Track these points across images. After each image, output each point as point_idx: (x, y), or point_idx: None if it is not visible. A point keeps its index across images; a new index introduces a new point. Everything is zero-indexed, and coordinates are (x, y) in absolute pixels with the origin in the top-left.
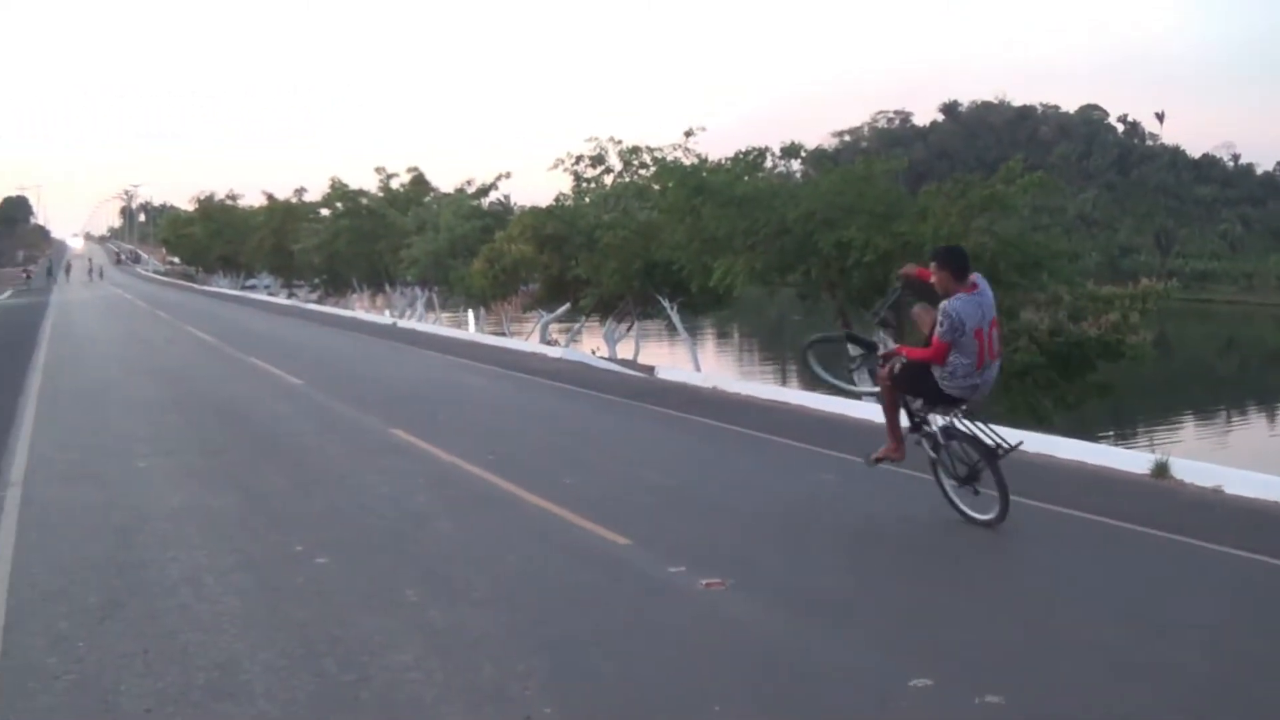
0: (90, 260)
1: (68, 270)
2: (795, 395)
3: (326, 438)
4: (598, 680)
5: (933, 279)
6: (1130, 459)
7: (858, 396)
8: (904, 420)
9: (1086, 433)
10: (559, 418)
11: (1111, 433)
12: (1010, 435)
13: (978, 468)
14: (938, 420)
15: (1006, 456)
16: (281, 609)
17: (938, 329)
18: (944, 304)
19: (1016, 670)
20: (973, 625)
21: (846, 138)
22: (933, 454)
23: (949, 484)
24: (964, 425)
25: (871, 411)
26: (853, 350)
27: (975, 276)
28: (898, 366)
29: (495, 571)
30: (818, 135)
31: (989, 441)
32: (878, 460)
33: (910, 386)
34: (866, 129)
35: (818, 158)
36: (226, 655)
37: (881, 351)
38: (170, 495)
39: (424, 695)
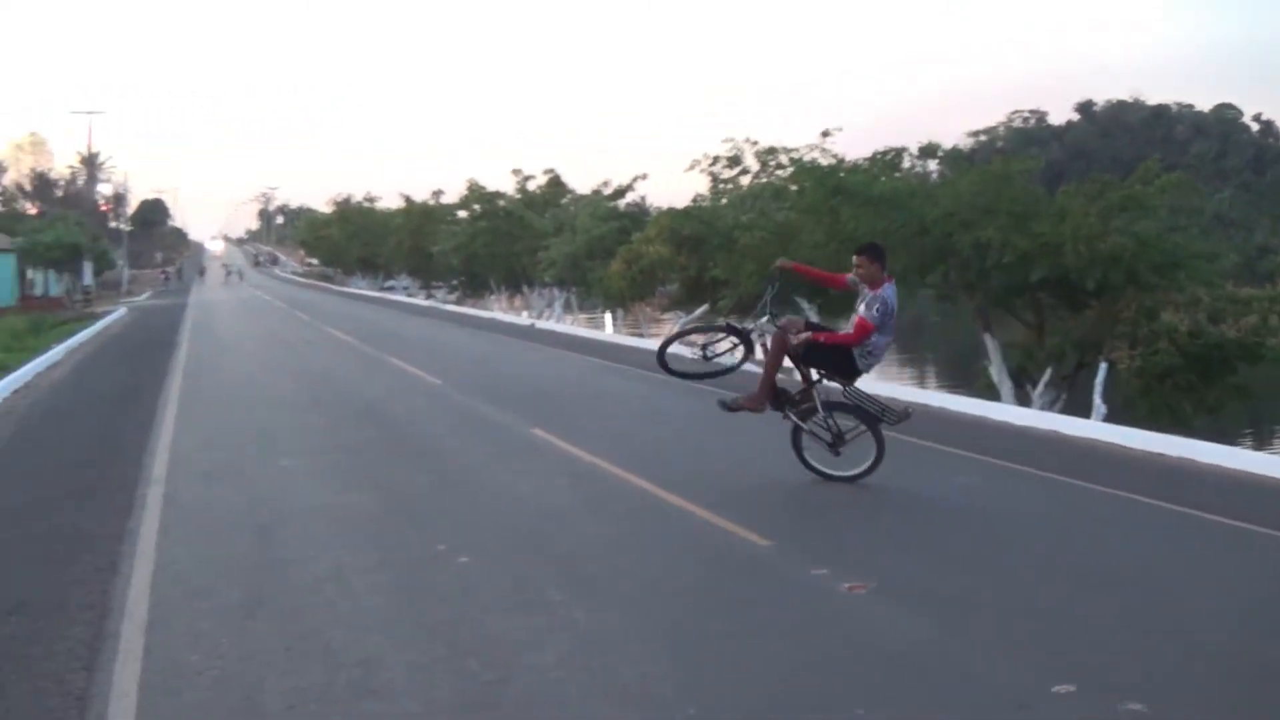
0: (227, 264)
1: (202, 273)
2: (934, 397)
3: (466, 437)
4: (741, 682)
5: (860, 271)
6: (1273, 463)
7: (726, 371)
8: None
9: (1227, 437)
10: (699, 419)
11: (1250, 434)
12: (905, 402)
13: (845, 435)
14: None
15: (900, 423)
16: (424, 607)
17: (867, 312)
18: (880, 292)
19: (1159, 678)
20: (1116, 631)
21: (982, 137)
22: (800, 423)
23: (814, 448)
24: (849, 397)
25: (1015, 414)
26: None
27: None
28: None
29: (638, 572)
30: (953, 135)
31: (873, 409)
32: (736, 408)
33: (824, 363)
34: (1002, 128)
35: (954, 158)
36: (369, 653)
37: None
38: (312, 494)
39: (567, 695)
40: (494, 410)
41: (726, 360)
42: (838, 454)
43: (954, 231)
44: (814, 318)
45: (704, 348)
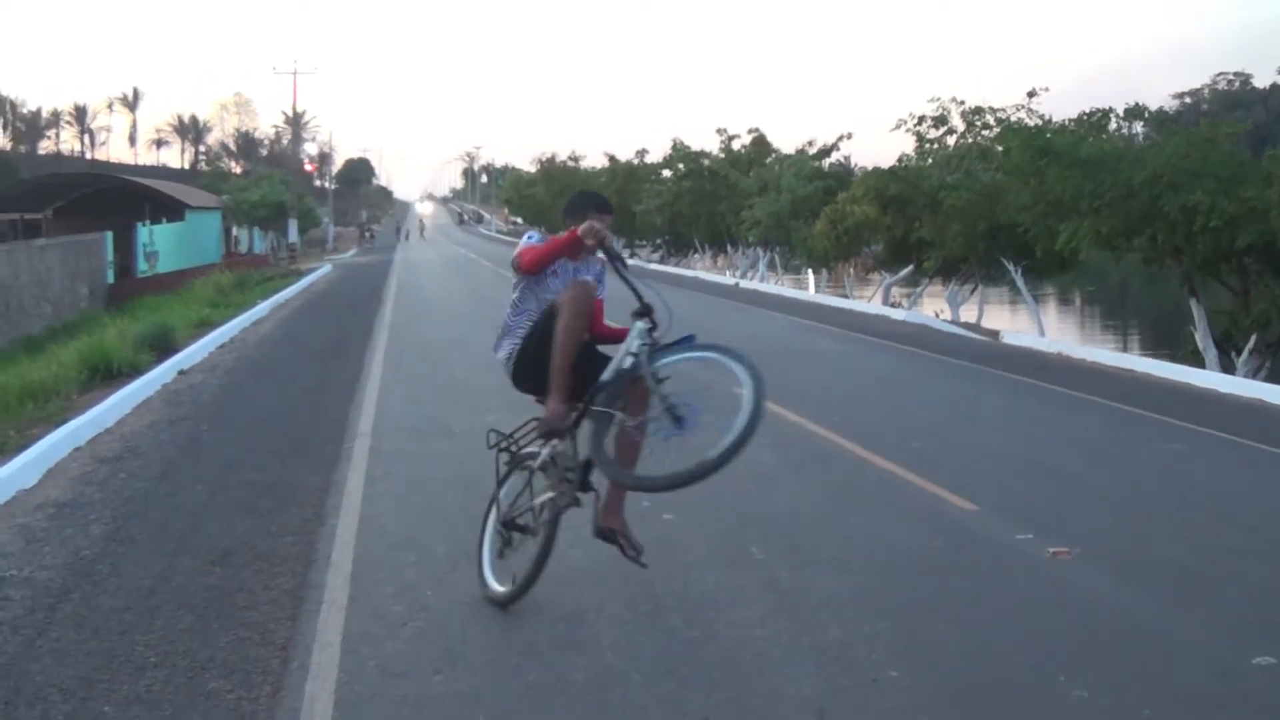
0: (408, 224)
1: (400, 233)
2: (1142, 363)
3: None
4: (944, 646)
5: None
6: None
7: None
8: None
9: None
10: (903, 381)
11: None
12: None
13: None
14: None
15: None
16: (627, 564)
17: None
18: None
19: None
20: None
21: (1187, 99)
22: None
23: None
24: None
25: (1220, 381)
26: None
27: None
28: None
29: (842, 533)
30: (1157, 97)
31: None
32: None
33: None
34: (1207, 91)
35: (1160, 120)
36: (573, 608)
37: None
38: None
39: (769, 653)
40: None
41: None
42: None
43: (1161, 195)
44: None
45: None
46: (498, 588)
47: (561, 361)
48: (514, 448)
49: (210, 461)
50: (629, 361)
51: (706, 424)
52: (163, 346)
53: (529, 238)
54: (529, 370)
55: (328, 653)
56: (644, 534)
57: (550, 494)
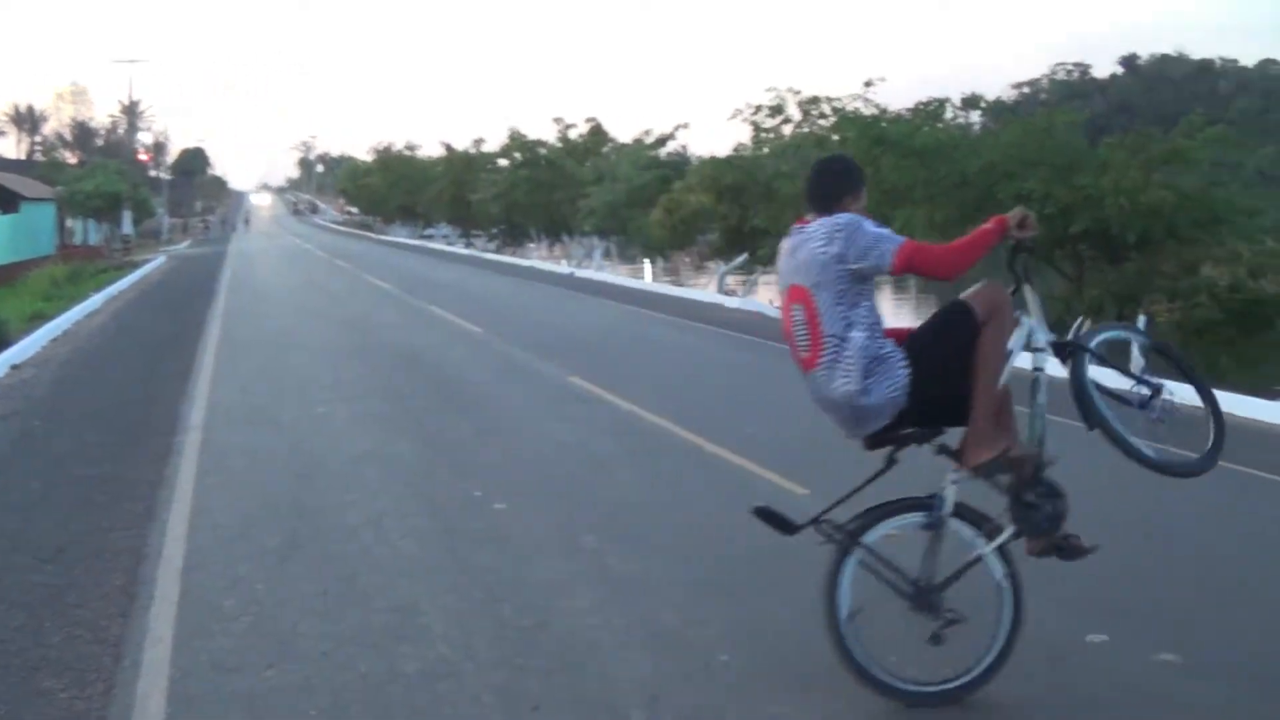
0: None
1: (227, 224)
2: None
3: (506, 385)
4: (777, 629)
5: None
6: None
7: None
8: None
9: (1266, 392)
10: (738, 367)
11: None
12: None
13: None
14: None
15: None
16: (460, 553)
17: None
18: None
19: (1191, 629)
20: (1148, 583)
21: (1025, 89)
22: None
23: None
24: None
25: (1052, 366)
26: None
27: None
28: None
29: (675, 519)
30: (996, 87)
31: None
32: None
33: None
34: (1046, 81)
35: (997, 110)
36: (406, 598)
37: None
38: (350, 441)
39: (603, 641)
40: (534, 358)
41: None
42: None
43: (996, 183)
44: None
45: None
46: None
47: (995, 381)
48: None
49: (43, 457)
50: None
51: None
52: None
53: (874, 225)
54: (932, 395)
55: (159, 649)
56: (474, 524)
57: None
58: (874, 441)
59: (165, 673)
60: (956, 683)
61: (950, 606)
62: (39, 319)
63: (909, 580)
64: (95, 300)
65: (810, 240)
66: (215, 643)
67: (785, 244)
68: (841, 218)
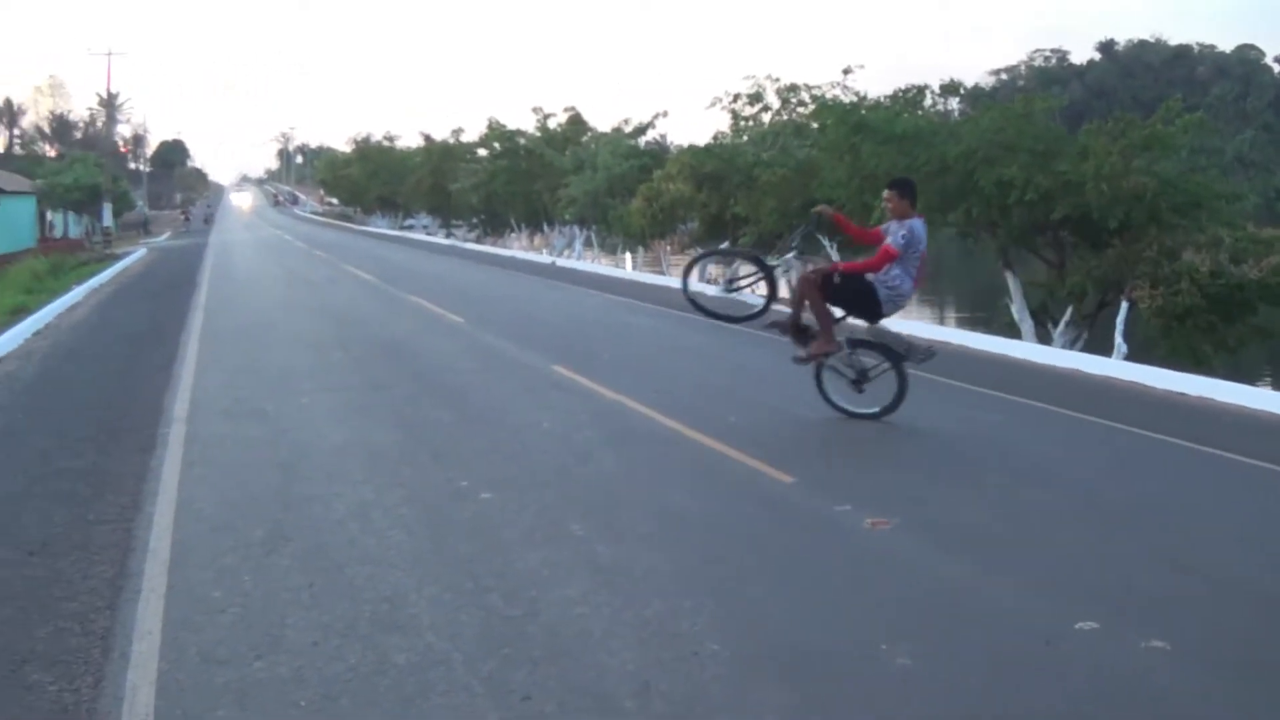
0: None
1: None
2: (958, 335)
3: (489, 374)
4: (765, 617)
5: (890, 205)
6: None
7: (751, 314)
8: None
9: (1246, 377)
10: (720, 356)
11: (1270, 375)
12: (928, 340)
13: (868, 373)
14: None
15: (925, 362)
16: (447, 543)
17: (892, 239)
18: (909, 221)
19: (1179, 615)
20: (1137, 570)
21: (1003, 76)
22: (823, 360)
23: (837, 385)
24: (872, 335)
25: (1036, 352)
26: (745, 270)
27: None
28: (836, 279)
29: (661, 507)
30: (974, 74)
31: (898, 347)
32: (811, 358)
33: (846, 300)
34: (1023, 67)
35: (975, 96)
36: (393, 589)
37: (804, 270)
38: (334, 431)
39: (591, 629)
40: (516, 348)
41: (750, 298)
42: (861, 391)
43: (976, 169)
44: (835, 256)
45: (729, 281)
46: None
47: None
48: None
49: (26, 450)
50: None
51: None
52: None
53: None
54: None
55: (148, 641)
56: (462, 513)
57: None
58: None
59: (154, 664)
60: (875, 409)
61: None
62: (20, 312)
63: (855, 371)
64: (77, 293)
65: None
66: (203, 635)
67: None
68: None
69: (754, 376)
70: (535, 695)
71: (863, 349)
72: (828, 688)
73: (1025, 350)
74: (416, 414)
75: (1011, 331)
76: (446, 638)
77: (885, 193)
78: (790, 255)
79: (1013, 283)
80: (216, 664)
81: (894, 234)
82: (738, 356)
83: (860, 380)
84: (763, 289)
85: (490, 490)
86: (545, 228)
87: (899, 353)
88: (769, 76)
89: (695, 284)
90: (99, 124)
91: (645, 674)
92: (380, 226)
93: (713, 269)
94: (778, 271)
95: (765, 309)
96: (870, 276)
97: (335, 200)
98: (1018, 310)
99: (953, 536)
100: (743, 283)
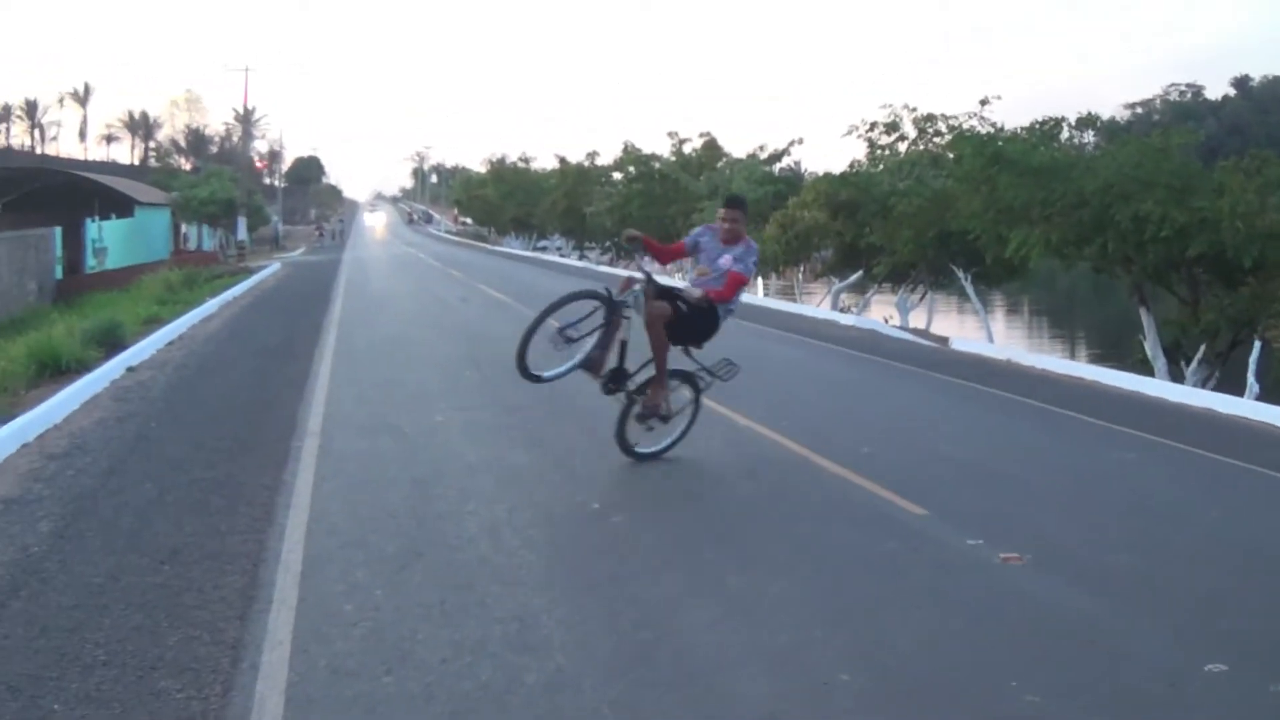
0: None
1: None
2: (1091, 371)
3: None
4: (895, 649)
5: (727, 226)
6: None
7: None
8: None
9: None
10: (853, 385)
11: None
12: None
13: (673, 410)
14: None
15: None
16: (579, 564)
17: (741, 265)
18: (753, 245)
19: None
20: (1267, 614)
21: (1138, 110)
22: (631, 399)
23: (636, 427)
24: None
25: (1170, 390)
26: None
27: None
28: (684, 308)
29: (793, 536)
30: (1109, 107)
31: (715, 373)
32: (651, 410)
33: (687, 333)
34: (1158, 102)
35: (1110, 130)
36: (524, 608)
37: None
38: (467, 450)
39: (721, 656)
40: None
41: (590, 345)
42: (651, 429)
43: (1112, 204)
44: (969, 288)
45: (562, 329)
46: None
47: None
48: None
49: (159, 459)
50: None
51: None
52: (111, 343)
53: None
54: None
55: (278, 652)
56: (594, 536)
57: None
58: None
59: (284, 675)
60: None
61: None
62: (154, 322)
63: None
64: (210, 305)
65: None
66: (334, 647)
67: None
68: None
69: (887, 408)
70: None
71: (678, 379)
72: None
73: (1159, 388)
74: (550, 435)
75: (1144, 368)
76: (577, 659)
77: (723, 211)
78: (638, 288)
79: (1146, 319)
80: (346, 677)
81: (740, 259)
82: (871, 387)
83: (666, 419)
84: (598, 334)
85: (621, 513)
86: None
87: (705, 381)
88: (906, 105)
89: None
90: (235, 139)
91: (773, 703)
92: (514, 247)
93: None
94: (630, 309)
95: (603, 355)
96: (721, 305)
97: (469, 220)
98: (1151, 347)
99: (1084, 574)
100: (581, 328)
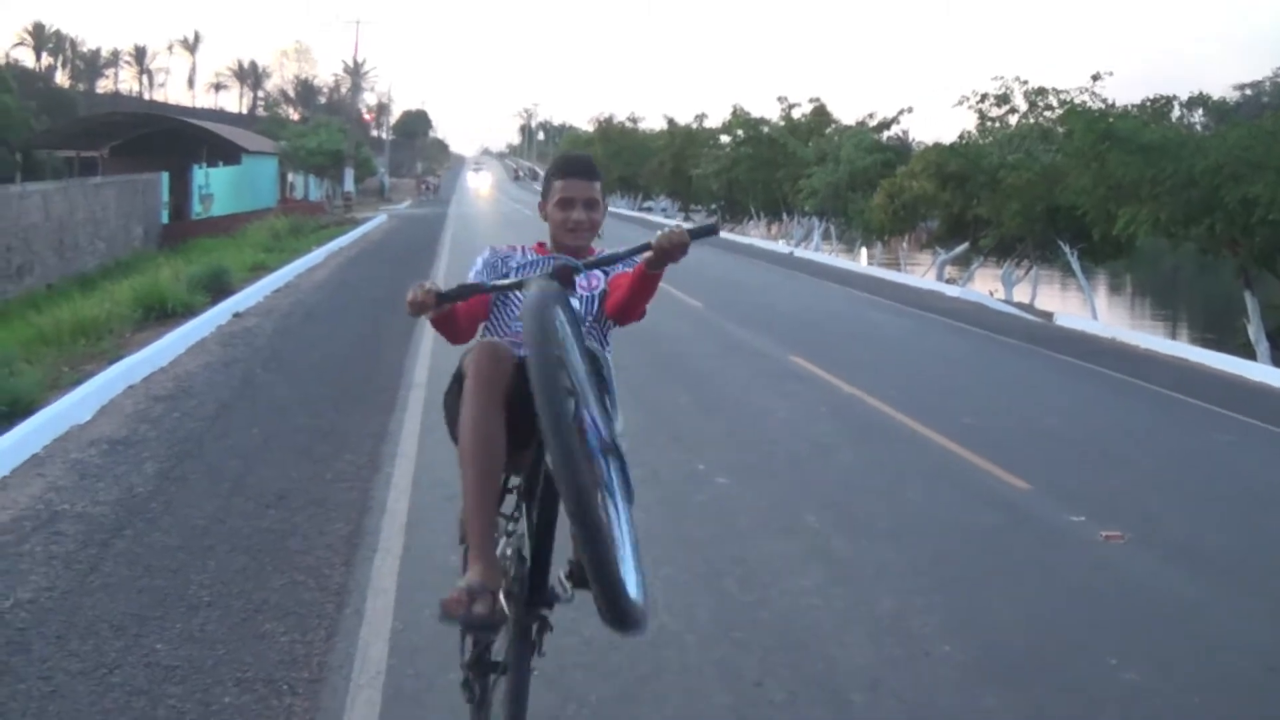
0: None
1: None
2: (1195, 352)
3: (727, 360)
4: (995, 622)
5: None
6: None
7: None
8: None
9: None
10: (958, 357)
11: None
12: None
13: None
14: None
15: None
16: (683, 526)
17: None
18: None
19: None
20: None
21: (1248, 91)
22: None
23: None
24: None
25: (1273, 374)
26: None
27: None
28: None
29: (896, 505)
30: (1218, 87)
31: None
32: None
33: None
34: (1268, 83)
35: (1220, 110)
36: None
37: None
38: None
39: (823, 622)
40: (753, 336)
41: None
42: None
43: (1222, 184)
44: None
45: None
46: None
47: None
48: None
49: (264, 404)
50: None
51: None
52: (217, 288)
53: None
54: None
55: (382, 599)
56: (699, 496)
57: None
58: None
59: (388, 623)
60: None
61: None
62: (260, 270)
63: None
64: (317, 255)
65: None
66: (437, 594)
67: None
68: None
69: (991, 381)
70: (765, 682)
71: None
72: (1058, 698)
73: (1262, 373)
74: (656, 396)
75: (1246, 352)
76: (680, 619)
77: (573, 184)
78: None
79: (1251, 303)
80: (450, 627)
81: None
82: (975, 360)
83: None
84: None
85: (727, 475)
86: (784, 217)
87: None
88: (1017, 78)
89: None
90: (343, 90)
91: (876, 670)
92: (619, 207)
93: None
94: None
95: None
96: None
97: None
98: (1254, 331)
99: (1184, 555)
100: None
